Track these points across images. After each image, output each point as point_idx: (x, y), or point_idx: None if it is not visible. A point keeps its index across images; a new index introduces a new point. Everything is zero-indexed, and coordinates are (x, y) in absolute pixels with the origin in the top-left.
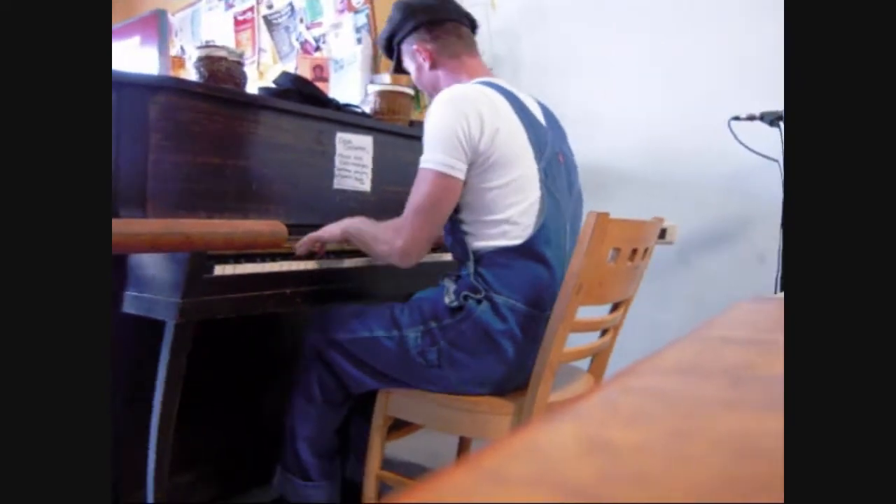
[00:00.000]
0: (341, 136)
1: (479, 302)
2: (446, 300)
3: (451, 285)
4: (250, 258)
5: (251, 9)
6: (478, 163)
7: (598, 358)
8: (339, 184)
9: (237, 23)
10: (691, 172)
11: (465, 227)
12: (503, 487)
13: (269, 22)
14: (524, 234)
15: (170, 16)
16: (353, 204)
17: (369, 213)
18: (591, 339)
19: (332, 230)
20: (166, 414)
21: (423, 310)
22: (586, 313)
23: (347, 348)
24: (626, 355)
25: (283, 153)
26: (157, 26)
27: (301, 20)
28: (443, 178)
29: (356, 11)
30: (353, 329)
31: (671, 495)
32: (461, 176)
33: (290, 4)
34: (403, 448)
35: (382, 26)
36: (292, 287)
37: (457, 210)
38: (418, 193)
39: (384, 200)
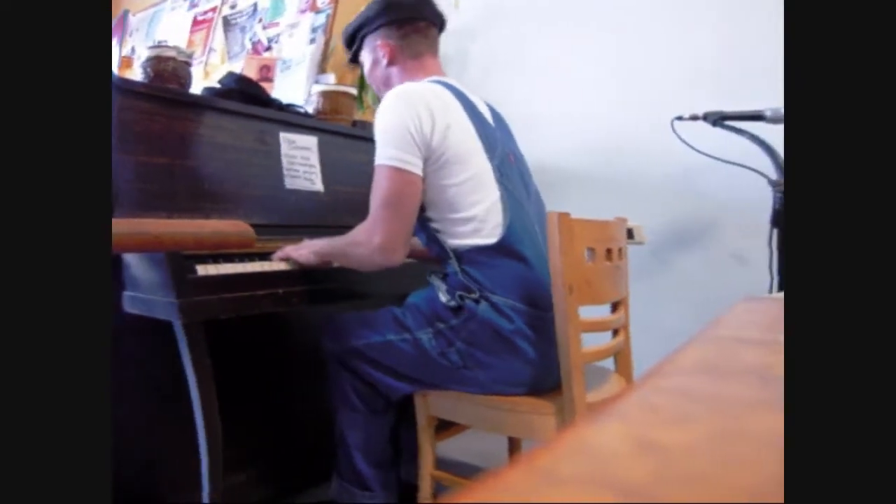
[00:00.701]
0: (285, 136)
1: (476, 301)
2: (442, 299)
3: (440, 283)
4: (228, 258)
5: (213, 9)
6: (432, 159)
7: (621, 358)
8: (290, 184)
9: (195, 23)
10: (640, 172)
11: (434, 225)
12: (559, 488)
13: (227, 22)
14: (496, 233)
15: (130, 16)
16: (307, 204)
17: (324, 212)
18: (605, 340)
19: (304, 255)
20: (209, 414)
21: (424, 311)
22: (589, 315)
23: (366, 354)
24: (634, 357)
25: (228, 153)
26: (122, 27)
27: (260, 20)
28: (399, 172)
29: (318, 11)
30: (364, 335)
31: (727, 496)
32: (418, 171)
33: (255, 4)
34: (456, 448)
35: (341, 27)
36: (284, 287)
37: (423, 208)
38: (379, 189)
39: (338, 201)
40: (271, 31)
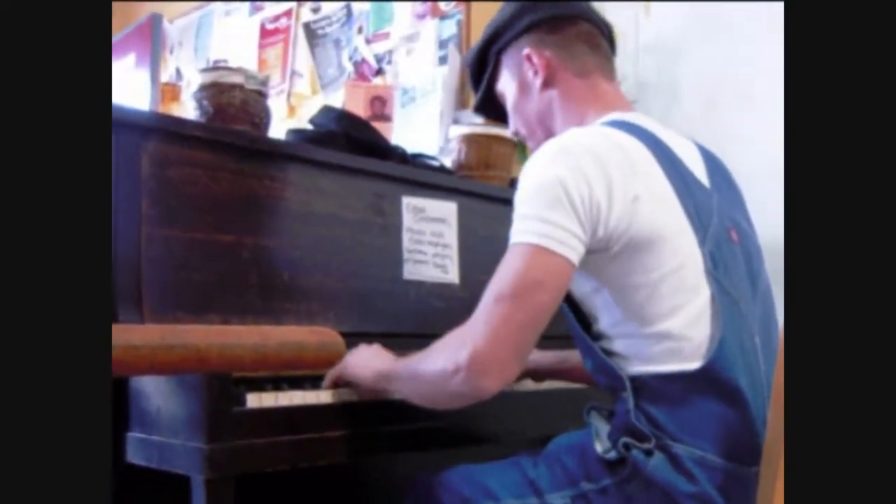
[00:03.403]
0: (410, 202)
1: (648, 453)
2: (598, 448)
3: (602, 426)
4: (295, 382)
5: (288, 13)
6: (613, 249)
7: None
8: (412, 272)
9: (265, 33)
10: None
11: (609, 346)
12: None
13: (311, 32)
14: (699, 354)
15: (167, 24)
16: (436, 302)
17: (459, 315)
18: None
19: (359, 373)
20: None
21: (568, 466)
22: None
23: None
24: None
25: (326, 227)
26: (150, 38)
27: (360, 30)
28: (544, 254)
29: (443, 17)
30: (467, 499)
31: None
32: (574, 257)
33: (347, 7)
34: None
35: (478, 37)
36: (368, 426)
37: (592, 319)
38: (502, 276)
39: (479, 296)
40: (380, 46)
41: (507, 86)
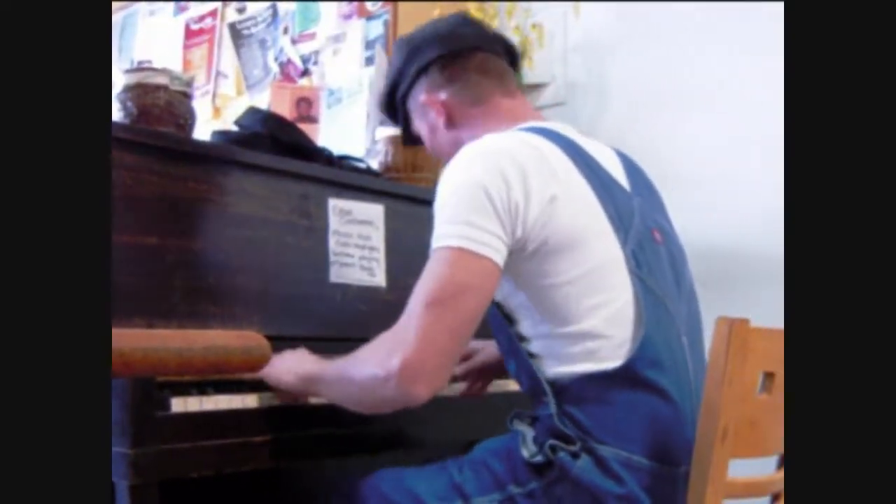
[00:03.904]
0: (337, 205)
1: (574, 455)
2: (524, 453)
3: (527, 430)
4: (221, 386)
5: (213, 13)
6: (530, 249)
7: None
8: (338, 275)
9: (189, 34)
10: None
11: (529, 347)
12: None
13: (236, 33)
14: (620, 353)
15: None
16: (362, 306)
17: (386, 318)
18: None
19: (284, 377)
20: None
21: (495, 470)
22: (739, 469)
23: None
24: None
25: (252, 229)
26: None
27: (286, 30)
28: (466, 256)
29: (370, 18)
30: (394, 501)
31: None
32: (499, 259)
33: (273, 8)
34: None
35: (405, 37)
36: (293, 430)
37: (512, 320)
38: (429, 281)
39: (406, 300)
40: (305, 47)
41: (419, 128)
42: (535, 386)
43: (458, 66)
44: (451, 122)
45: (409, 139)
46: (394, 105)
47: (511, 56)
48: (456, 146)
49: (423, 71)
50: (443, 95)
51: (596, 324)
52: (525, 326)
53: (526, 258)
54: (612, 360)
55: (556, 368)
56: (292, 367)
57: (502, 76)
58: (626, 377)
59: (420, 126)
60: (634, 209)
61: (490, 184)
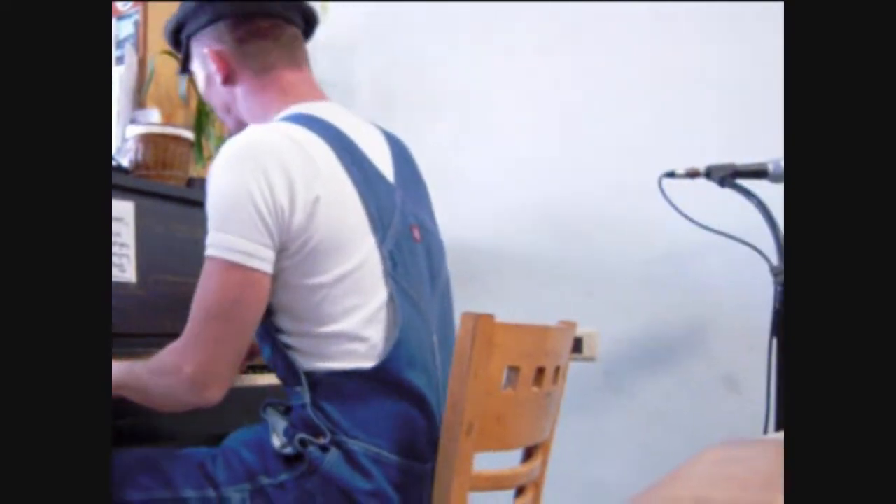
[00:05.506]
0: None
1: (323, 449)
2: (275, 443)
3: (278, 421)
4: None
5: None
6: (291, 248)
7: None
8: None
9: None
10: (609, 254)
11: (286, 339)
12: None
13: None
14: (375, 354)
15: None
16: (112, 301)
17: (138, 315)
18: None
19: None
20: None
21: (246, 460)
22: (487, 463)
23: None
24: None
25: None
26: None
27: None
28: (237, 271)
29: (120, 17)
30: (146, 486)
31: None
32: (267, 268)
33: None
34: None
35: (159, 36)
36: None
37: (270, 312)
38: (206, 293)
39: (158, 296)
40: None
41: (197, 71)
42: (290, 375)
43: (250, 29)
44: (228, 81)
45: (186, 70)
46: (178, 39)
47: (308, 23)
48: (229, 102)
49: (214, 20)
50: (227, 53)
51: (352, 325)
52: (283, 320)
53: (287, 257)
54: (367, 360)
55: (313, 363)
56: None
57: (292, 47)
58: (380, 377)
59: (198, 71)
60: (396, 205)
61: (256, 191)
